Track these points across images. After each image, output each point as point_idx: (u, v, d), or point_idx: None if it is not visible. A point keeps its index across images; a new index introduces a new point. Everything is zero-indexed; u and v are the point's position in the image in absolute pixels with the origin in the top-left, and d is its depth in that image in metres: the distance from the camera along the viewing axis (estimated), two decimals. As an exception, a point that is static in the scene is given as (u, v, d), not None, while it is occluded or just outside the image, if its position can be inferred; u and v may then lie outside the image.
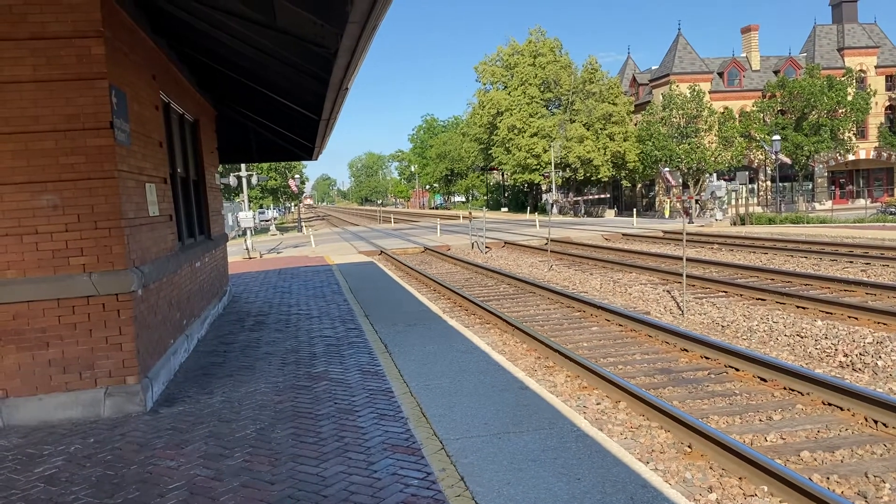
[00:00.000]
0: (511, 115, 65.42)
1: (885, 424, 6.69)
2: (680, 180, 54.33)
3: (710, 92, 57.47)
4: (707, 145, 53.58)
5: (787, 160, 50.79)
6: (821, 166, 58.81)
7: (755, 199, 57.62)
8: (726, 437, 6.10)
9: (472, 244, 29.79)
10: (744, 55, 61.84)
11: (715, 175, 51.12)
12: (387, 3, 4.87)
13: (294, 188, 60.84)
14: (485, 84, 72.32)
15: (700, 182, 54.54)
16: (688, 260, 17.36)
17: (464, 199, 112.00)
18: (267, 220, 69.27)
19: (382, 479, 4.86)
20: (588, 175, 63.26)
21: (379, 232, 47.33)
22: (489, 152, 72.52)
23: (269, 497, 4.68)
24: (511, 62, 68.67)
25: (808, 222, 35.56)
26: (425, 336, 9.88)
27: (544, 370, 9.38)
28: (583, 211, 59.99)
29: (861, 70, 59.75)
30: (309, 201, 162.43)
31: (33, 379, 6.51)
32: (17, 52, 6.26)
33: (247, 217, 31.74)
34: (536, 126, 64.09)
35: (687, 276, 14.73)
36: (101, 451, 5.70)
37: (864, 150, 60.21)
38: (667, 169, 52.60)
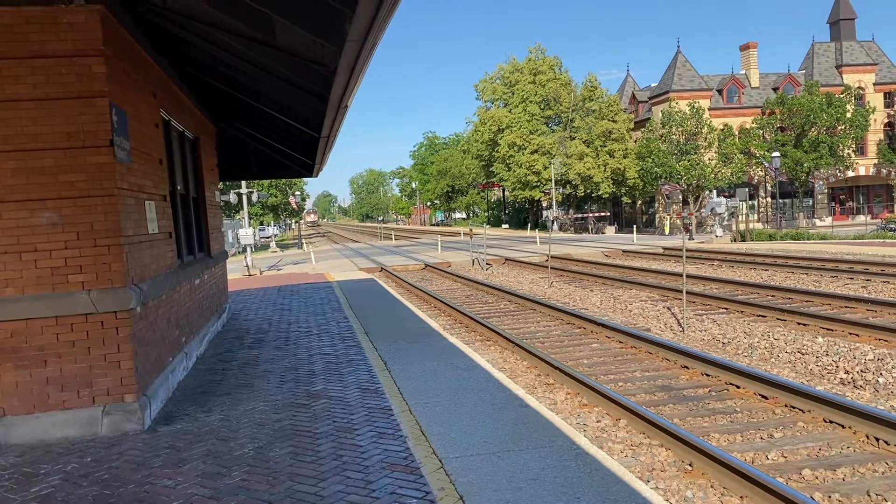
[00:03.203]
0: (511, 132, 65.69)
1: (886, 442, 6.65)
2: (679, 195, 54.42)
3: (709, 109, 57.70)
4: (707, 162, 53.72)
5: (785, 178, 50.96)
6: (820, 183, 58.89)
7: (755, 216, 57.63)
8: (727, 455, 6.06)
9: (473, 261, 29.79)
10: (743, 72, 62.17)
11: (715, 192, 51.26)
12: (385, 21, 4.90)
13: (294, 205, 60.94)
14: (485, 102, 72.71)
15: (700, 199, 54.63)
16: (688, 276, 17.34)
17: (465, 216, 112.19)
18: (267, 237, 69.23)
19: (381, 499, 4.82)
20: (588, 192, 63.44)
21: (379, 249, 47.33)
22: (490, 169, 72.74)
23: (267, 517, 4.64)
24: (511, 80, 69.06)
25: (808, 239, 35.56)
26: (425, 353, 9.84)
27: (544, 387, 9.34)
28: (594, 228, 59.77)
29: (860, 87, 60.03)
30: (313, 217, 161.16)
31: (31, 397, 6.48)
32: (17, 71, 6.29)
33: (247, 234, 31.77)
34: (537, 143, 64.35)
35: (687, 292, 14.71)
36: (98, 470, 5.66)
37: (864, 167, 60.38)
38: (666, 185, 52.72)
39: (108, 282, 6.55)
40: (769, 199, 58.87)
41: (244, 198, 33.68)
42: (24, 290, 6.42)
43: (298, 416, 6.94)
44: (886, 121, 61.23)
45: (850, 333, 11.52)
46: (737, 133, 57.08)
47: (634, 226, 50.49)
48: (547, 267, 24.60)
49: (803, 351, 10.64)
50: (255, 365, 9.58)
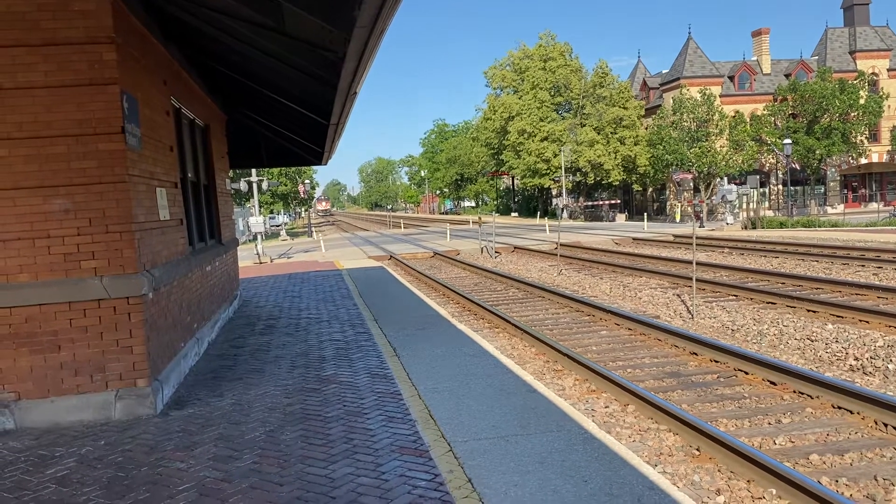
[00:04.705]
0: (521, 119, 65.42)
1: (894, 428, 6.65)
2: (690, 183, 54.19)
3: (720, 96, 57.28)
4: (718, 149, 53.41)
5: (797, 166, 50.63)
6: (833, 170, 58.51)
7: (767, 203, 57.33)
8: (735, 440, 6.08)
9: (482, 249, 29.80)
10: (755, 58, 61.62)
11: (726, 179, 51.00)
12: (394, 8, 4.91)
13: (304, 193, 61.11)
14: (495, 88, 72.42)
15: (711, 186, 54.37)
16: (698, 264, 17.31)
17: (474, 204, 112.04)
18: (277, 226, 69.52)
19: (390, 481, 4.88)
20: (598, 179, 63.18)
21: (389, 237, 47.40)
22: (500, 157, 72.54)
23: (278, 498, 4.71)
24: (521, 66, 68.73)
25: (819, 226, 35.35)
26: (434, 340, 9.90)
27: (553, 374, 9.38)
28: (608, 215, 59.50)
29: (873, 73, 59.39)
30: (325, 205, 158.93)
31: (45, 381, 6.57)
32: (29, 58, 6.34)
33: (257, 222, 31.93)
34: (547, 130, 64.09)
35: (697, 279, 14.69)
36: (111, 453, 5.75)
37: (877, 154, 59.82)
38: (677, 173, 52.52)
39: (120, 268, 6.61)
40: (780, 187, 58.50)
41: (254, 186, 33.78)
42: (38, 276, 6.50)
43: (309, 401, 7.01)
44: (900, 107, 60.58)
45: (861, 320, 11.49)
46: (748, 120, 56.67)
47: (645, 213, 50.33)
48: (556, 255, 24.57)
49: (813, 338, 10.63)
50: (266, 351, 9.66)
